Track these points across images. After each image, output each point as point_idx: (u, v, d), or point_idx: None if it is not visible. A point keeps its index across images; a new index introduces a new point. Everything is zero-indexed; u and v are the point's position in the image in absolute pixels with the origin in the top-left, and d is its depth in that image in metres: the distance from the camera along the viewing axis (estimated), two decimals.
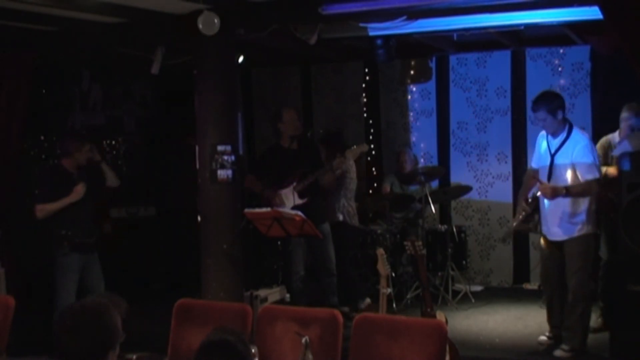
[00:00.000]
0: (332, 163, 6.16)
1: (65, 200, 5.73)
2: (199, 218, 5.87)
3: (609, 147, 6.08)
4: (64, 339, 2.32)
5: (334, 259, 6.54)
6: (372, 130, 8.64)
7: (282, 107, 6.88)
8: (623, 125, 5.97)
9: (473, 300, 7.30)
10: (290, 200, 6.23)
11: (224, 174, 5.56)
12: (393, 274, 7.07)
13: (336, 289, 6.56)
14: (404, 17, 5.48)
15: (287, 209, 5.86)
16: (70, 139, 6.01)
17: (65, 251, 5.77)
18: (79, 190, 5.76)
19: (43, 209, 5.75)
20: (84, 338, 2.32)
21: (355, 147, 6.26)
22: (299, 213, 5.52)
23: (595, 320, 6.15)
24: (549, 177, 5.49)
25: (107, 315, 2.38)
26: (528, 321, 6.54)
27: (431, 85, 8.42)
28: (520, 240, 7.98)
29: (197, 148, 5.75)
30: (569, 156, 5.39)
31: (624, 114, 5.97)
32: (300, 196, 6.24)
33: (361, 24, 5.78)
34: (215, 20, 4.96)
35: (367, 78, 8.70)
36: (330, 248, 6.48)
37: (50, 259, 5.86)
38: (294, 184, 6.25)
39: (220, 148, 5.55)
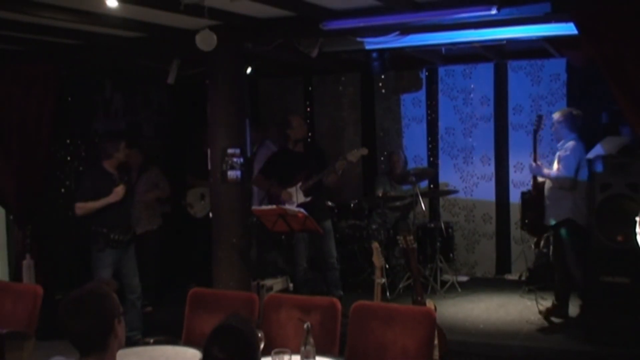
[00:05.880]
0: (335, 165, 6.15)
1: (104, 200, 5.62)
2: (210, 214, 5.86)
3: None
4: (71, 323, 2.35)
5: (335, 253, 6.53)
6: (367, 135, 8.64)
7: (290, 114, 6.86)
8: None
9: (459, 290, 7.28)
10: (296, 197, 6.22)
11: (233, 174, 5.55)
12: (387, 266, 7.05)
13: (339, 282, 6.55)
14: (397, 33, 5.47)
15: (291, 207, 5.85)
16: (108, 141, 5.92)
17: (101, 247, 5.68)
18: (119, 191, 5.65)
19: (83, 207, 5.64)
20: (89, 318, 2.35)
21: (356, 150, 6.26)
22: (302, 210, 5.51)
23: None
24: None
25: (103, 294, 2.43)
26: (509, 309, 6.54)
27: (421, 94, 8.40)
28: (503, 235, 7.99)
29: (209, 151, 5.75)
30: None
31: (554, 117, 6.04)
32: (305, 195, 6.23)
33: (358, 39, 5.76)
34: (214, 37, 4.89)
35: (364, 88, 8.69)
36: (331, 243, 6.47)
37: (77, 251, 5.84)
38: (300, 183, 6.25)
39: (230, 151, 5.54)
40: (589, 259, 5.58)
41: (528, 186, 7.74)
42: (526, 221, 6.25)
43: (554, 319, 5.97)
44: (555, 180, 5.76)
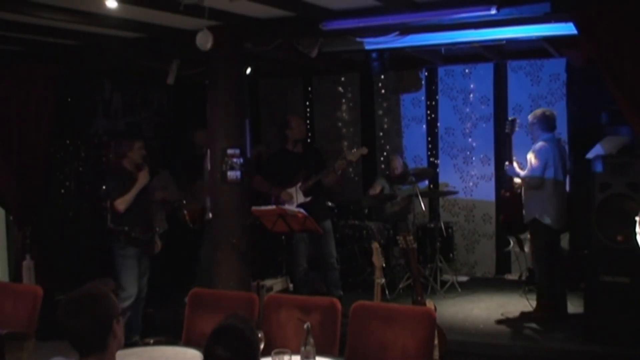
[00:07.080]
0: (335, 165, 6.15)
1: (137, 187, 5.63)
2: (210, 215, 5.86)
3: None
4: (70, 324, 2.36)
5: (335, 253, 6.53)
6: (367, 135, 8.64)
7: (289, 115, 6.85)
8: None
9: (459, 290, 7.29)
10: (295, 198, 6.22)
11: (233, 174, 5.55)
12: (386, 266, 7.05)
13: (339, 282, 6.55)
14: (397, 33, 5.47)
15: (291, 207, 5.85)
16: (122, 140, 5.93)
17: (122, 245, 5.66)
18: (145, 174, 5.69)
19: (123, 201, 5.60)
20: (87, 319, 2.36)
21: (355, 150, 6.26)
22: (302, 210, 5.51)
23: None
24: None
25: (101, 295, 2.44)
26: (509, 308, 6.52)
27: (421, 94, 8.41)
28: (503, 235, 7.98)
29: (208, 151, 5.74)
30: None
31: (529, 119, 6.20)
32: (305, 195, 6.23)
33: (358, 39, 5.76)
34: (210, 39, 4.95)
35: (363, 88, 8.69)
36: (331, 243, 6.46)
37: (77, 252, 5.79)
38: (300, 183, 6.25)
39: (229, 151, 5.54)
40: (589, 259, 5.59)
41: None
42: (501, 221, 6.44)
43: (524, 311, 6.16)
44: (524, 179, 6.01)
